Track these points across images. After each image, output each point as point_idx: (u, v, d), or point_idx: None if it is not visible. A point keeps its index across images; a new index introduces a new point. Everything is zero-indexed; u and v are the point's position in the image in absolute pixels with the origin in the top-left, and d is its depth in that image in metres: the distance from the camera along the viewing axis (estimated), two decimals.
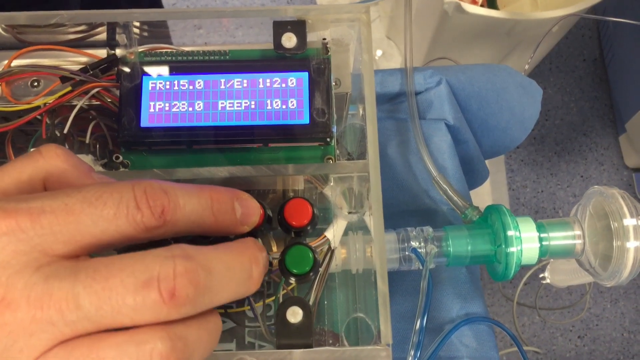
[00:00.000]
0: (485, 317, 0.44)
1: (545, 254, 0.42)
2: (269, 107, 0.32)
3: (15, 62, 0.34)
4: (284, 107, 0.32)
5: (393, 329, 0.45)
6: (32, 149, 0.25)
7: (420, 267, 0.41)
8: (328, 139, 0.31)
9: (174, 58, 0.33)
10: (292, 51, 0.32)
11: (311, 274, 0.29)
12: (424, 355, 0.43)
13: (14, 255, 0.21)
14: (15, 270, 0.21)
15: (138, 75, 0.32)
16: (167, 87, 0.32)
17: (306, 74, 0.32)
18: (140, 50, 0.33)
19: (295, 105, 0.32)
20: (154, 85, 0.32)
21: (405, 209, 0.47)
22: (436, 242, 0.41)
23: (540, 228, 0.41)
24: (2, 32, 0.35)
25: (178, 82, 0.32)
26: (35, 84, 0.34)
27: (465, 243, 0.41)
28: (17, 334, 0.20)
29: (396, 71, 0.48)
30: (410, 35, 0.48)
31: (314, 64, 0.32)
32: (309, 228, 0.29)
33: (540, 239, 0.41)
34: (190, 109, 0.32)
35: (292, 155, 0.32)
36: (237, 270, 0.23)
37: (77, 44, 0.35)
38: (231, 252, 0.23)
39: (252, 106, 0.32)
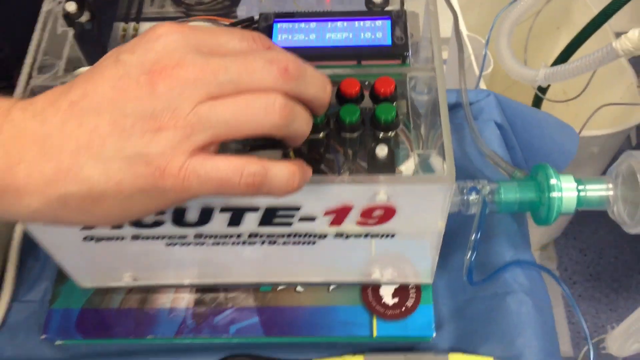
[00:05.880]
0: (536, 263, 0.51)
1: (582, 203, 0.49)
2: (362, 37, 0.44)
3: None
4: (372, 37, 0.44)
5: (454, 281, 0.52)
6: None
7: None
8: (406, 53, 0.43)
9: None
10: (379, 6, 0.46)
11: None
12: (479, 278, 0.49)
13: (184, 44, 0.32)
14: (186, 51, 0.31)
15: (272, 21, 0.46)
16: (290, 27, 0.46)
17: (389, 19, 0.45)
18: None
19: (381, 35, 0.44)
20: (281, 26, 0.46)
21: None
22: (490, 191, 0.50)
23: (578, 181, 0.50)
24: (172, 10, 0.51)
25: (298, 24, 0.46)
26: None
27: (514, 190, 0.50)
28: (185, 85, 0.30)
29: (451, 90, 0.60)
30: (464, 75, 0.61)
31: (394, 12, 0.45)
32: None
33: (578, 190, 0.49)
34: (306, 38, 0.45)
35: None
36: (318, 80, 0.35)
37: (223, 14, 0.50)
38: (314, 70, 0.35)
39: (350, 37, 0.45)
